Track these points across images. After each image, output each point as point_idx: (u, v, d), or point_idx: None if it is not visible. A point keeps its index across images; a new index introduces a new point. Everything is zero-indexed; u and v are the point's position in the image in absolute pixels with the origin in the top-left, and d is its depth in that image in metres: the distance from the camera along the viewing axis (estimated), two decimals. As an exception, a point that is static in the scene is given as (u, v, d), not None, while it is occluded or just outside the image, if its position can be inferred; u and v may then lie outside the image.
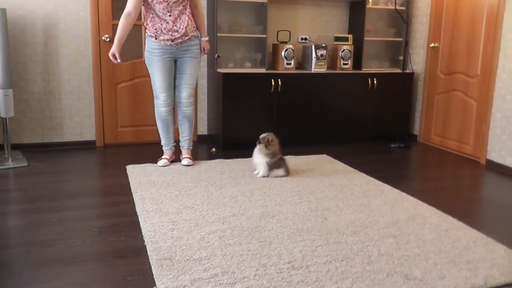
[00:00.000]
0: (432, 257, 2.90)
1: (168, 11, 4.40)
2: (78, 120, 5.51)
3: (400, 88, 6.09)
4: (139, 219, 3.39)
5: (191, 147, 4.92)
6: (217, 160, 4.98)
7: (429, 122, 6.14)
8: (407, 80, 6.17)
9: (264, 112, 5.58)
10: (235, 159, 5.02)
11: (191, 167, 4.71)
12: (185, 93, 4.69)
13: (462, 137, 5.56)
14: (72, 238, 3.12)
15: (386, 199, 3.91)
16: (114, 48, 4.35)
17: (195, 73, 4.71)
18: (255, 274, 2.62)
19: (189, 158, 4.83)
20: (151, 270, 2.67)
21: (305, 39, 6.09)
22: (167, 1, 4.35)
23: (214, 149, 5.45)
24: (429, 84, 6.12)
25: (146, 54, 4.62)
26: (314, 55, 5.79)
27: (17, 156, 4.98)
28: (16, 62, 5.16)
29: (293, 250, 2.93)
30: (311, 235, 3.16)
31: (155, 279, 2.56)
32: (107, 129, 5.63)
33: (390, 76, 6.10)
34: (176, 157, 4.92)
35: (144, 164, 4.76)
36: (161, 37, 4.45)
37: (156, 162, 4.80)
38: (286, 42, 5.80)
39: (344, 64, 5.99)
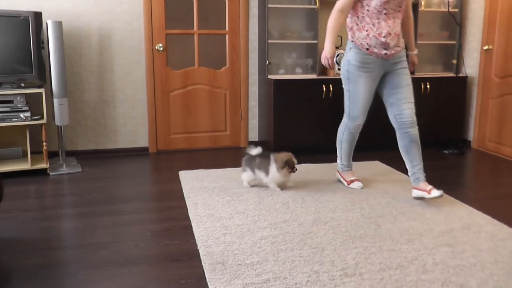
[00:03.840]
0: (488, 267, 2.82)
1: (384, 9, 3.71)
2: (132, 128, 5.62)
3: (453, 92, 5.97)
4: (192, 224, 3.43)
5: (424, 176, 4.00)
6: (268, 166, 4.99)
7: (483, 127, 5.99)
8: (461, 84, 6.03)
9: (315, 118, 5.56)
10: (286, 165, 5.01)
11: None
12: (407, 111, 3.91)
13: (519, 143, 5.40)
14: (126, 241, 3.18)
15: (440, 207, 3.83)
16: (328, 51, 3.85)
17: (411, 86, 3.96)
18: (308, 281, 2.61)
19: (436, 189, 3.84)
20: (204, 274, 2.70)
21: (356, 44, 6.04)
22: None
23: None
24: (483, 88, 5.97)
25: (349, 68, 3.96)
26: (366, 60, 5.72)
27: (71, 162, 5.13)
28: (71, 73, 5.32)
29: (346, 257, 2.91)
30: (364, 242, 3.13)
31: (208, 283, 2.58)
32: (160, 136, 5.73)
33: (443, 80, 5.98)
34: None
35: (196, 170, 4.81)
36: (373, 42, 3.80)
37: (349, 184, 4.36)
38: (337, 47, 5.77)
39: (396, 69, 5.90)
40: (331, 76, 5.66)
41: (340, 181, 4.45)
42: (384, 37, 3.75)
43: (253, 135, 6.04)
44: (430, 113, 5.97)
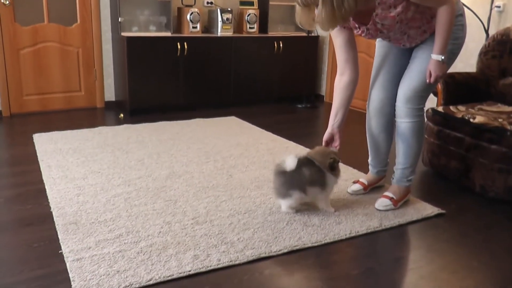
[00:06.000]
0: (332, 206, 3.08)
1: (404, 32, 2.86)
2: (-21, 90, 5.31)
3: (306, 51, 6.25)
4: (46, 187, 3.37)
5: (403, 183, 3.16)
6: (124, 126, 4.96)
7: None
8: (313, 43, 6.33)
9: (170, 76, 5.59)
10: (142, 124, 5.03)
11: (99, 133, 4.67)
12: (400, 92, 2.99)
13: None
14: (-24, 209, 3.08)
15: (291, 155, 4.03)
16: (328, 130, 3.17)
17: (424, 65, 2.89)
18: (160, 232, 2.70)
19: (388, 197, 3.12)
20: (57, 235, 2.69)
21: (211, 3, 6.09)
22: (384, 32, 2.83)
23: (122, 115, 5.42)
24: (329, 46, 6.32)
25: None
26: (220, 19, 5.82)
27: None
28: None
29: (197, 207, 3.03)
30: (216, 192, 3.28)
31: (61, 244, 2.58)
32: (12, 98, 5.44)
33: (296, 39, 6.24)
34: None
35: (51, 132, 4.67)
36: None
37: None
38: (191, 6, 5.79)
39: (250, 28, 6.06)
40: (186, 34, 5.69)
41: None
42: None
43: (109, 95, 5.94)
44: (284, 70, 6.22)
